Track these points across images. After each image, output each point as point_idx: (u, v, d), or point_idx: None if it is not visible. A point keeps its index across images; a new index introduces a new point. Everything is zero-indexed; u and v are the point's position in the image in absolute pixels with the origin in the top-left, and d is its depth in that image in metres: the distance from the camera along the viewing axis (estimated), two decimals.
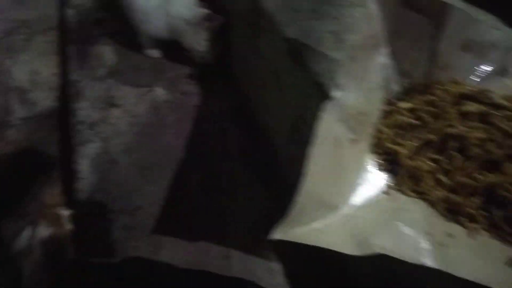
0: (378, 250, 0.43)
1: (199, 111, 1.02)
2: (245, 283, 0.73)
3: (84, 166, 0.90)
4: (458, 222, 0.48)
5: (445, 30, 0.58)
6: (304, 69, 0.71)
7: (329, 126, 0.52)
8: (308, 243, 0.45)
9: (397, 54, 0.58)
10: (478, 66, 0.62)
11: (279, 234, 0.45)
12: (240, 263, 0.76)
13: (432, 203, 0.50)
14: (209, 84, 1.08)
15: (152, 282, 0.75)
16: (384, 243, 0.44)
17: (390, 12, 0.57)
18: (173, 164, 0.91)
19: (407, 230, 0.46)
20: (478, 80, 0.62)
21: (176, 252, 0.77)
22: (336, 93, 0.53)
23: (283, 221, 0.46)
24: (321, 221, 0.48)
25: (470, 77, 0.62)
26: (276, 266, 0.75)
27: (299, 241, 0.45)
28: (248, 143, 0.97)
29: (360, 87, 0.55)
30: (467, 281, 0.43)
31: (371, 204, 0.50)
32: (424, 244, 0.44)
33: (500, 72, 0.64)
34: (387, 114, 0.57)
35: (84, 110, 0.99)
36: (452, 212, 0.49)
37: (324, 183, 0.49)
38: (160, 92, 1.05)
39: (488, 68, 0.63)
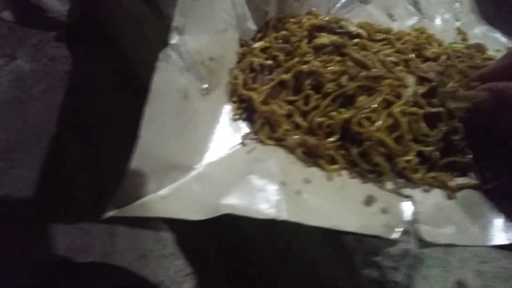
0: (226, 210, 0.37)
1: (72, 78, 0.88)
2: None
3: None
4: (317, 165, 0.43)
5: None
6: (160, 14, 0.61)
7: (171, 77, 0.43)
8: (149, 215, 0.38)
9: None
10: None
11: (112, 211, 0.37)
12: (127, 239, 0.68)
13: (290, 149, 0.44)
14: (81, 46, 0.94)
15: (30, 274, 0.66)
16: (234, 201, 0.38)
17: None
18: (44, 141, 0.78)
19: (260, 183, 0.40)
20: (337, 10, 0.57)
21: (54, 238, 0.68)
22: (174, 39, 0.44)
23: (117, 195, 0.38)
24: (170, 187, 0.41)
25: (329, 8, 0.57)
26: (166, 235, 0.69)
27: (138, 214, 0.38)
28: (134, 107, 0.87)
29: (207, 29, 0.47)
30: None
31: (226, 159, 0.43)
32: (277, 195, 0.38)
33: None
34: (242, 57, 0.50)
35: None
36: (310, 155, 0.44)
37: (172, 143, 0.42)
38: (23, 61, 0.89)
39: None
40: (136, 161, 0.38)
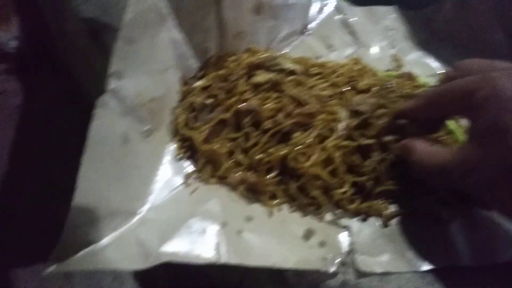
0: (165, 258, 0.37)
1: (24, 112, 0.86)
2: None
3: None
4: (259, 201, 0.45)
5: None
6: (106, 51, 0.62)
7: (110, 123, 0.43)
8: (91, 267, 0.38)
9: (186, 26, 0.51)
10: (275, 29, 0.58)
11: (52, 266, 0.37)
12: (84, 279, 0.67)
13: (232, 186, 0.45)
14: (33, 77, 0.92)
15: None
16: (175, 248, 0.38)
17: None
18: None
19: (201, 225, 0.40)
20: (278, 43, 0.59)
21: (8, 282, 0.66)
22: (112, 85, 0.44)
23: (56, 249, 0.38)
24: (112, 235, 0.41)
25: (270, 42, 0.58)
26: (123, 272, 0.68)
27: (79, 268, 0.38)
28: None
29: (147, 71, 0.47)
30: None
31: (170, 201, 0.43)
32: (217, 237, 0.39)
33: (300, 31, 0.61)
34: (184, 96, 0.51)
35: None
36: (252, 191, 0.45)
37: (113, 190, 0.42)
38: None
39: (286, 29, 0.59)
40: (75, 213, 0.38)
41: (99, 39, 0.63)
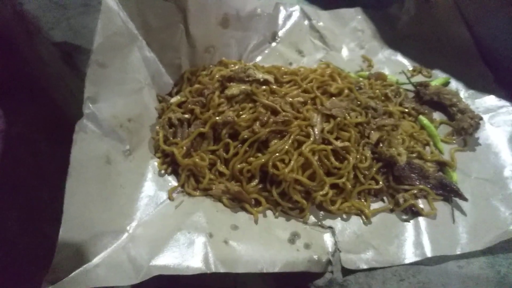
0: (156, 272, 0.39)
1: (4, 137, 0.87)
2: None
3: None
4: (243, 209, 0.47)
5: (190, 11, 0.54)
6: (80, 74, 0.63)
7: (90, 146, 0.45)
8: (86, 286, 0.39)
9: (156, 45, 0.53)
10: (245, 40, 0.61)
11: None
12: None
13: (217, 197, 0.47)
14: (12, 102, 0.93)
15: None
16: (165, 262, 0.40)
17: (135, 3, 0.51)
18: None
19: (188, 238, 0.42)
20: (249, 53, 0.61)
21: None
22: (88, 109, 0.46)
23: (50, 272, 0.39)
24: (103, 254, 0.42)
25: (241, 53, 0.61)
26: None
27: (75, 287, 0.39)
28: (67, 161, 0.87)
29: (121, 92, 0.49)
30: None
31: (156, 216, 0.45)
32: (205, 249, 0.41)
33: (270, 39, 0.64)
34: (161, 112, 0.53)
35: None
36: (236, 201, 0.47)
37: (99, 211, 0.43)
38: None
39: (256, 39, 0.62)
40: (64, 237, 0.40)
41: (72, 61, 0.65)
